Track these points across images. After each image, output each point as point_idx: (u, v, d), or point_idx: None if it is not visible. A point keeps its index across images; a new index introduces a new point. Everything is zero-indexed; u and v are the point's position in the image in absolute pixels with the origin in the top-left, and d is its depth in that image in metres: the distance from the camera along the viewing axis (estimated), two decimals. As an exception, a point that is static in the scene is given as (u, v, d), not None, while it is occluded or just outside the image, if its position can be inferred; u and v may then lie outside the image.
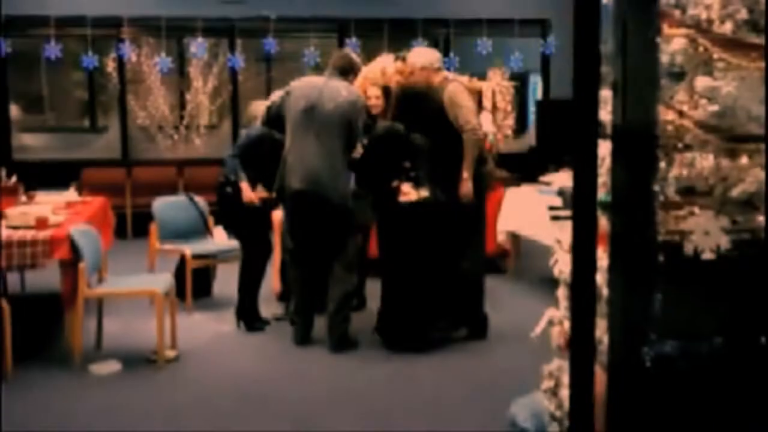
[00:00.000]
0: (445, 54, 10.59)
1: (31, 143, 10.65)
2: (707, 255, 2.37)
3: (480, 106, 7.74)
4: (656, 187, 2.42)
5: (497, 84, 9.72)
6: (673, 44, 3.27)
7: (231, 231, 6.13)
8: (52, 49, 9.38)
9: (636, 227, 2.28)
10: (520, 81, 11.28)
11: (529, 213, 6.75)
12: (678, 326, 2.30)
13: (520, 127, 11.08)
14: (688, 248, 2.38)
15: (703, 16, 3.23)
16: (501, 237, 7.29)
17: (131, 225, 9.46)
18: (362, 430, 4.15)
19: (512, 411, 4.24)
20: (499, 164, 7.90)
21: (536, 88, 11.63)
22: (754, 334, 2.25)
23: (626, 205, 2.30)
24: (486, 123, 7.34)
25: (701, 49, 3.19)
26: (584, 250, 2.20)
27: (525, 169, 8.44)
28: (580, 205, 2.21)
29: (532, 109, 11.63)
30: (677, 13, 3.33)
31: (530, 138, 11.18)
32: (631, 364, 2.25)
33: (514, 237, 7.36)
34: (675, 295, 2.29)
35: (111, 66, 10.12)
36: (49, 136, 11.10)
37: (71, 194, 6.59)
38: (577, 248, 2.21)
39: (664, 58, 3.28)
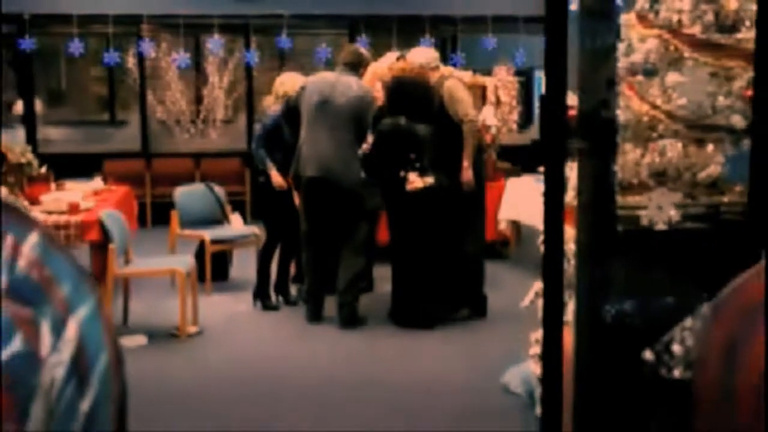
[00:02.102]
0: (452, 50, 10.95)
1: (53, 136, 11.07)
2: (660, 226, 2.75)
3: (483, 101, 8.09)
4: (616, 169, 2.80)
5: (500, 79, 10.09)
6: (648, 44, 3.66)
7: (265, 217, 6.49)
8: (76, 46, 9.80)
9: (598, 203, 2.66)
10: (526, 76, 11.63)
11: (529, 201, 7.11)
12: (635, 287, 2.67)
13: (525, 121, 11.41)
14: (644, 220, 2.77)
15: (675, 18, 3.62)
16: (502, 225, 7.66)
17: (151, 214, 9.88)
18: (369, 398, 4.53)
19: (505, 378, 4.64)
20: (501, 156, 8.28)
21: (541, 83, 11.93)
22: (699, 293, 2.63)
23: (590, 184, 2.67)
24: (489, 116, 7.71)
25: (672, 48, 3.57)
26: (554, 225, 2.58)
27: (529, 160, 8.77)
28: (550, 187, 2.59)
29: (537, 103, 11.97)
30: (651, 16, 3.71)
31: (535, 131, 11.53)
32: (595, 320, 2.62)
33: (515, 224, 7.73)
34: (633, 261, 2.66)
35: (131, 62, 10.53)
36: (71, 129, 11.51)
37: (98, 183, 7.00)
38: (548, 223, 2.59)
39: (640, 57, 3.67)
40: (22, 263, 0.97)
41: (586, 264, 2.66)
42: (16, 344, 0.94)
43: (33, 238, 0.99)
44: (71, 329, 1.00)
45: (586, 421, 2.72)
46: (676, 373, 1.21)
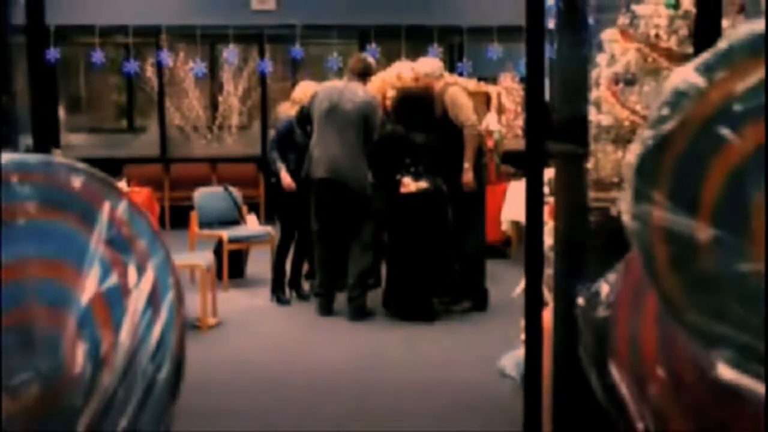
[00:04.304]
0: (459, 59, 11.32)
1: (75, 142, 11.50)
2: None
3: (488, 107, 8.46)
4: (589, 166, 3.18)
5: (506, 87, 10.47)
6: (628, 56, 4.05)
7: (279, 217, 6.90)
8: (98, 56, 10.22)
9: (572, 197, 3.03)
10: (531, 84, 11.97)
11: (529, 203, 7.47)
12: (606, 268, 3.03)
13: (530, 127, 11.74)
14: (614, 211, 3.15)
15: (653, 33, 4.01)
16: (505, 225, 8.04)
17: (169, 216, 10.30)
18: (374, 385, 4.88)
19: (501, 363, 4.99)
20: (505, 160, 8.65)
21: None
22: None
23: (566, 182, 3.05)
24: (492, 122, 8.10)
25: (650, 60, 3.95)
26: (534, 216, 2.97)
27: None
28: (531, 184, 2.97)
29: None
30: (631, 30, 4.10)
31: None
32: (570, 297, 2.98)
33: (516, 225, 8.11)
34: (604, 246, 3.02)
35: (149, 71, 10.96)
36: (91, 135, 11.93)
37: (122, 185, 7.43)
38: (529, 218, 2.97)
39: (621, 67, 4.05)
40: (116, 223, 1.36)
41: (563, 250, 3.02)
42: (112, 279, 1.34)
43: (123, 205, 1.38)
44: (148, 272, 1.39)
45: (564, 387, 3.09)
46: (600, 312, 1.59)
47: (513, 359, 4.86)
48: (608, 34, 4.06)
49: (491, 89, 8.79)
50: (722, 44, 1.18)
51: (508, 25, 10.93)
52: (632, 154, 1.25)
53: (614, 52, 4.08)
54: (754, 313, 1.13)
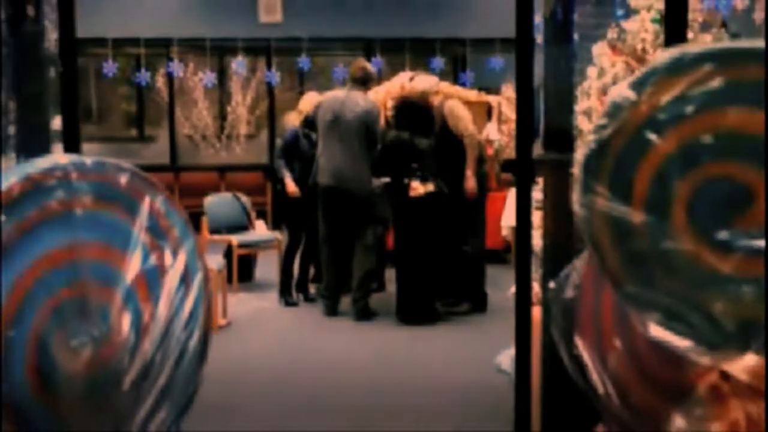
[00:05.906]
0: (462, 70, 11.59)
1: (87, 150, 11.67)
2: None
3: (489, 117, 8.72)
4: (577, 171, 3.42)
5: (507, 97, 10.70)
6: (616, 68, 4.30)
7: (286, 222, 7.18)
8: (110, 68, 10.52)
9: (560, 202, 3.27)
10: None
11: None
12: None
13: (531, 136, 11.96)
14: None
15: (639, 46, 4.26)
16: (505, 231, 8.27)
17: (179, 223, 10.54)
18: (377, 383, 5.07)
19: (498, 360, 5.22)
20: (506, 168, 8.89)
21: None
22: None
23: (553, 185, 3.29)
24: (492, 131, 8.36)
25: (637, 72, 4.19)
26: (523, 219, 3.21)
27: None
28: (520, 190, 3.22)
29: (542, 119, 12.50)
30: (619, 44, 4.36)
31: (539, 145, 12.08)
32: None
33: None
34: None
35: (160, 82, 11.24)
36: (102, 144, 12.14)
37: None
38: (519, 220, 3.22)
39: (609, 79, 4.30)
40: (154, 214, 1.63)
41: (551, 251, 3.26)
42: (152, 261, 1.60)
43: (160, 198, 1.65)
44: (181, 256, 1.66)
45: (553, 380, 3.33)
46: (568, 293, 1.83)
47: (509, 356, 5.09)
48: (598, 48, 4.31)
49: (492, 99, 9.04)
50: (649, 65, 1.45)
51: (509, 37, 11.15)
52: (580, 154, 1.52)
53: (603, 65, 4.33)
54: (675, 282, 1.40)
